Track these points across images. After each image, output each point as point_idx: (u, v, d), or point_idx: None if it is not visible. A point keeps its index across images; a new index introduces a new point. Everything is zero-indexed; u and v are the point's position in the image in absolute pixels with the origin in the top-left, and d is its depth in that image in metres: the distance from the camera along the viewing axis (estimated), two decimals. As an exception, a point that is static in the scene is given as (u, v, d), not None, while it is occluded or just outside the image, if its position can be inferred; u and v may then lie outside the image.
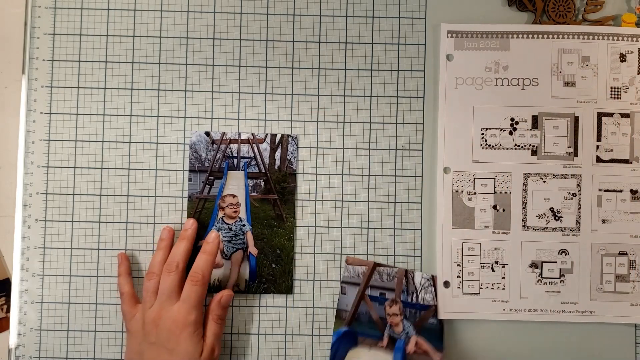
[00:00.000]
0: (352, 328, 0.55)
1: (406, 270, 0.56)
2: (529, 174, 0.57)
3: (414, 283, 0.56)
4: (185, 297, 0.51)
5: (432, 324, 0.55)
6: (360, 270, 0.56)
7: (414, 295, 0.56)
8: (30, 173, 0.56)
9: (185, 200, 0.57)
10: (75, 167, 0.57)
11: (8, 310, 0.56)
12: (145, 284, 0.52)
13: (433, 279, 0.56)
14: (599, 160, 0.57)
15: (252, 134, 0.57)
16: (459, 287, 0.56)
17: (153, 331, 0.50)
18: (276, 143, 0.57)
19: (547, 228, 0.56)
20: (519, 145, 0.57)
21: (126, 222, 0.57)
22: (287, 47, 0.57)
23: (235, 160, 0.57)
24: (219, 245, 0.55)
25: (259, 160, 0.57)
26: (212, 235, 0.54)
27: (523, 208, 0.56)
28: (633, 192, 0.57)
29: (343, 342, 0.55)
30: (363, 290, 0.56)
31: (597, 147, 0.57)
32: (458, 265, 0.56)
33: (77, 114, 0.57)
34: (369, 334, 0.55)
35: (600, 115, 0.57)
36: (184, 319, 0.50)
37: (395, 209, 0.57)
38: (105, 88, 0.57)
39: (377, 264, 0.56)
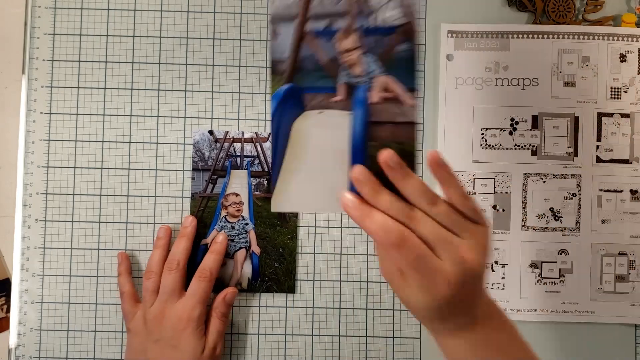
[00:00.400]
0: (295, 83, 0.40)
1: None
2: (529, 174, 0.57)
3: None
4: (192, 293, 0.51)
5: (404, 52, 0.39)
6: None
7: (374, 16, 0.39)
8: (30, 173, 0.56)
9: (186, 200, 0.57)
10: (75, 167, 0.57)
11: (8, 310, 0.56)
12: (145, 283, 0.52)
13: None
14: (599, 160, 0.57)
15: (256, 132, 0.57)
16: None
17: (156, 329, 0.50)
18: (276, 143, 0.57)
19: (547, 228, 0.56)
20: (519, 145, 0.57)
21: (126, 222, 0.57)
22: (287, 47, 0.57)
23: (238, 159, 0.57)
24: (226, 248, 0.55)
25: (262, 158, 0.57)
26: (221, 236, 0.55)
27: (523, 208, 0.56)
28: (633, 192, 0.57)
29: (286, 109, 0.40)
30: (301, 24, 0.39)
31: (597, 147, 0.57)
32: (458, 265, 0.56)
33: (77, 114, 0.57)
34: (319, 88, 0.40)
35: (600, 116, 0.57)
36: (188, 315, 0.50)
37: (395, 209, 0.57)
38: (105, 88, 0.57)
39: None
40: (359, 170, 0.38)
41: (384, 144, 0.38)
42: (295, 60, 0.40)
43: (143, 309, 0.52)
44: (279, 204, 0.42)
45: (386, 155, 0.37)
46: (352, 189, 0.38)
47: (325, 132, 0.40)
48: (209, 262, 0.53)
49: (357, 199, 0.38)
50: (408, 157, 0.39)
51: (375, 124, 0.39)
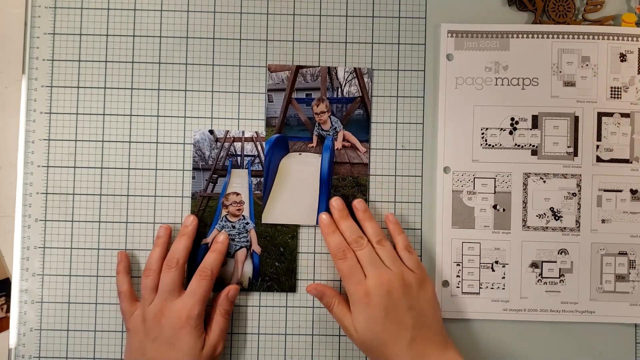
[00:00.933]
0: (283, 133, 0.56)
1: (329, 68, 0.56)
2: (529, 173, 0.57)
3: (337, 78, 0.57)
4: (192, 291, 0.51)
5: (359, 115, 0.57)
6: (284, 76, 0.57)
7: (339, 90, 0.57)
8: (30, 173, 0.56)
9: (186, 199, 0.57)
10: (75, 167, 0.57)
11: (8, 310, 0.56)
12: (143, 281, 0.52)
13: (356, 71, 0.56)
14: (599, 160, 0.57)
15: (256, 132, 0.57)
16: (458, 287, 0.56)
17: (155, 327, 0.50)
18: (276, 142, 0.58)
19: (547, 228, 0.56)
20: (519, 145, 0.57)
21: (126, 222, 0.57)
22: (287, 46, 0.57)
23: (239, 158, 0.57)
24: (227, 247, 0.56)
25: (263, 158, 0.57)
26: (222, 236, 0.55)
27: (523, 208, 0.56)
28: (633, 192, 0.57)
29: (275, 151, 0.56)
30: (289, 94, 0.56)
31: (597, 147, 0.57)
32: (458, 264, 0.56)
33: (77, 114, 0.57)
34: (299, 137, 0.56)
35: (600, 115, 0.57)
36: (187, 313, 0.50)
37: (395, 208, 0.57)
38: (105, 88, 0.57)
39: (299, 67, 0.57)
40: (337, 200, 0.55)
41: (344, 177, 0.57)
42: (283, 118, 0.57)
43: (142, 307, 0.52)
44: (268, 217, 0.56)
45: (357, 202, 0.55)
46: (324, 209, 0.56)
47: (303, 168, 0.57)
48: (210, 261, 0.53)
49: (329, 219, 0.54)
50: (361, 186, 0.57)
51: (338, 164, 0.57)
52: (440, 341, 0.50)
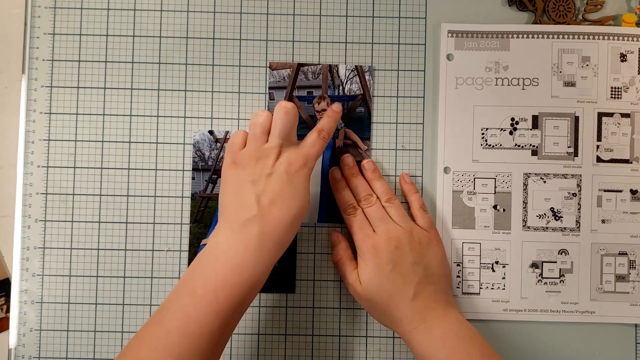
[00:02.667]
0: None
1: (330, 65, 0.57)
2: (529, 173, 0.57)
3: (338, 76, 0.57)
4: (310, 143, 0.50)
5: (360, 112, 0.57)
6: (285, 74, 0.57)
7: (340, 88, 0.57)
8: (30, 173, 0.56)
9: (186, 200, 0.57)
10: (75, 167, 0.57)
11: (8, 310, 0.56)
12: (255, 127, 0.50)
13: (357, 68, 0.56)
14: (599, 160, 0.57)
15: (253, 133, 0.57)
16: (458, 287, 0.56)
17: (271, 164, 0.48)
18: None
19: (547, 228, 0.56)
20: (519, 145, 0.57)
21: (126, 222, 0.57)
22: (287, 47, 0.57)
23: (235, 160, 0.57)
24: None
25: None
26: (337, 105, 0.54)
27: (523, 208, 0.56)
28: (633, 192, 0.57)
29: None
30: (290, 92, 0.57)
31: (597, 147, 0.57)
32: (458, 265, 0.56)
33: (77, 114, 0.57)
34: (301, 135, 0.53)
35: (600, 115, 0.57)
36: (306, 155, 0.49)
37: (395, 209, 0.57)
38: (105, 88, 0.57)
39: (300, 64, 0.57)
40: (348, 157, 0.56)
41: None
42: None
43: (253, 143, 0.50)
44: None
45: (365, 162, 0.55)
46: (325, 206, 0.57)
47: None
48: (326, 124, 0.52)
49: (340, 175, 0.55)
50: None
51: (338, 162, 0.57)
52: (445, 300, 0.51)
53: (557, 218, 0.56)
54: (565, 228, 0.56)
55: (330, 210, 0.56)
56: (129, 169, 0.57)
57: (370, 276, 0.50)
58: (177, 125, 0.57)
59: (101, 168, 0.57)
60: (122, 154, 0.57)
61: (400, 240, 0.51)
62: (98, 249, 0.56)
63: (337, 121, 0.54)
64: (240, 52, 0.57)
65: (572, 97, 0.57)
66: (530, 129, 0.57)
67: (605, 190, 0.57)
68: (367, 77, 0.57)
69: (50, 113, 0.57)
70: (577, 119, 0.57)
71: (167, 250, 0.56)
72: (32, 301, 0.56)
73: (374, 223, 0.52)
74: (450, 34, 0.57)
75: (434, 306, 0.50)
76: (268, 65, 0.57)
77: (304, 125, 0.57)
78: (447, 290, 0.52)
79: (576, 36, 0.57)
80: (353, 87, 0.57)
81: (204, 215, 0.56)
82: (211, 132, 0.57)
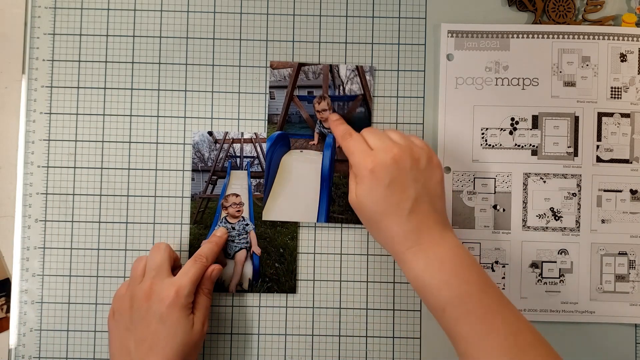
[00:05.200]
0: (285, 131, 0.57)
1: (330, 65, 0.57)
2: (529, 173, 0.57)
3: (339, 76, 0.57)
4: (184, 272, 0.50)
5: (360, 113, 0.57)
6: (286, 73, 0.57)
7: (341, 88, 0.57)
8: (30, 173, 0.56)
9: (185, 200, 0.57)
10: (75, 167, 0.57)
11: (8, 310, 0.56)
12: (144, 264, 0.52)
13: (358, 69, 0.56)
14: (599, 160, 0.57)
15: (255, 133, 0.57)
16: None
17: (144, 304, 0.49)
18: (276, 143, 0.58)
19: (547, 228, 0.56)
20: (519, 145, 0.57)
21: (126, 222, 0.57)
22: (287, 47, 0.57)
23: (238, 159, 0.57)
24: (225, 242, 0.56)
25: (262, 159, 0.57)
26: (221, 231, 0.56)
27: (523, 208, 0.56)
28: (633, 192, 0.57)
29: (277, 148, 0.57)
30: (291, 92, 0.57)
31: (597, 147, 0.57)
32: (458, 265, 0.56)
33: (77, 114, 0.57)
34: (301, 134, 0.56)
35: (600, 115, 0.57)
36: (177, 290, 0.49)
37: (395, 209, 0.57)
38: (105, 88, 0.57)
39: (301, 64, 0.57)
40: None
41: (345, 175, 0.56)
42: (285, 115, 0.57)
43: (130, 287, 0.51)
44: (269, 214, 0.56)
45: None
46: (325, 207, 0.56)
47: (304, 166, 0.57)
48: (206, 249, 0.53)
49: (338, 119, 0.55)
50: None
51: (339, 161, 0.57)
52: (441, 220, 0.49)
53: (557, 218, 0.56)
54: (565, 228, 0.56)
55: (329, 210, 0.56)
56: (129, 169, 0.57)
57: (366, 191, 0.48)
58: (177, 125, 0.57)
59: (101, 168, 0.57)
60: (122, 154, 0.57)
61: (399, 155, 0.48)
62: (98, 249, 0.56)
63: (220, 246, 0.54)
64: (240, 52, 0.57)
65: (572, 97, 0.57)
66: (530, 129, 0.57)
67: (605, 190, 0.57)
68: (367, 78, 0.57)
69: (50, 113, 0.57)
70: (577, 119, 0.57)
71: None
72: (32, 301, 0.56)
73: (372, 143, 0.50)
74: (450, 34, 0.57)
75: (430, 225, 0.48)
76: (269, 64, 0.57)
77: (304, 125, 0.57)
78: (444, 212, 0.50)
79: (576, 36, 0.57)
80: (353, 87, 0.57)
81: (204, 216, 0.56)
82: (210, 133, 0.57)
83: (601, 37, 0.57)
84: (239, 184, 0.57)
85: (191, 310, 0.50)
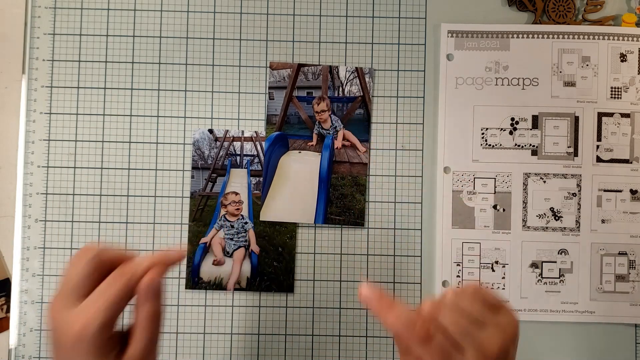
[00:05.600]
0: (283, 131, 0.57)
1: (330, 67, 0.57)
2: (529, 173, 0.57)
3: (339, 77, 0.57)
4: (99, 293, 0.36)
5: (359, 114, 0.57)
6: (285, 74, 0.57)
7: (340, 89, 0.57)
8: (30, 173, 0.56)
9: (185, 200, 0.57)
10: (75, 167, 0.57)
11: (8, 310, 0.56)
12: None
13: (357, 70, 0.56)
14: (599, 160, 0.57)
15: (255, 131, 0.57)
16: (458, 287, 0.56)
17: (51, 339, 0.37)
18: (276, 143, 0.58)
19: (547, 228, 0.56)
20: (519, 145, 0.57)
21: (126, 222, 0.57)
22: (287, 47, 0.57)
23: (238, 157, 0.57)
24: (175, 265, 0.39)
25: (262, 158, 0.57)
26: (181, 252, 0.40)
27: (523, 208, 0.56)
28: (633, 192, 0.57)
29: (275, 148, 0.57)
30: (290, 92, 0.57)
31: (597, 147, 0.57)
32: (458, 265, 0.56)
33: (77, 114, 0.57)
34: (299, 135, 0.56)
35: (600, 115, 0.57)
36: (82, 325, 0.35)
37: (395, 208, 0.57)
38: (105, 88, 0.57)
39: (301, 65, 0.57)
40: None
41: (343, 176, 0.56)
42: (284, 115, 0.57)
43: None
44: (267, 214, 0.56)
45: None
46: (322, 208, 0.56)
47: (302, 166, 0.57)
48: (142, 264, 0.37)
49: (377, 290, 0.36)
50: (360, 186, 0.57)
51: (337, 163, 0.57)
52: None
53: (556, 218, 0.56)
54: (565, 228, 0.56)
55: (327, 212, 0.56)
56: (129, 169, 0.57)
57: None
58: (177, 125, 0.57)
59: (101, 168, 0.57)
60: (122, 154, 0.57)
61: (507, 345, 0.35)
62: (98, 249, 0.56)
63: (166, 267, 0.38)
64: (240, 52, 0.57)
65: (572, 97, 0.57)
66: (530, 129, 0.57)
67: (605, 190, 0.57)
68: (367, 79, 0.57)
69: (50, 113, 0.57)
70: (577, 119, 0.57)
71: None
72: (32, 301, 0.56)
73: (461, 339, 0.35)
74: (450, 34, 0.57)
75: None
76: (268, 65, 0.57)
77: (303, 126, 0.57)
78: None
79: (576, 36, 0.57)
80: (353, 88, 0.57)
81: (203, 214, 0.56)
82: (211, 131, 0.57)
83: (601, 37, 0.57)
84: (238, 182, 0.57)
85: (116, 346, 0.36)
